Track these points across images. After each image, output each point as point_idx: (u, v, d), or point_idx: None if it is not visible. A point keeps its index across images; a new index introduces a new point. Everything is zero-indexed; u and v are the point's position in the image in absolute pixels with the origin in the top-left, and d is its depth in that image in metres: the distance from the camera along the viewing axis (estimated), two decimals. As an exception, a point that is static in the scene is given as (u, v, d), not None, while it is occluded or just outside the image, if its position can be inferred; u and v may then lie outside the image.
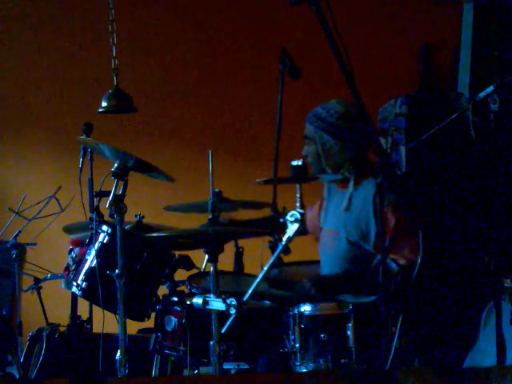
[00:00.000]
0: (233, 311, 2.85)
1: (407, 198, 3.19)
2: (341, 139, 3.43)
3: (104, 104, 3.79)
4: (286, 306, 3.21)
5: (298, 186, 2.93)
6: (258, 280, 2.90)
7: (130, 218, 3.47)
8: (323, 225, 3.65)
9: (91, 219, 3.45)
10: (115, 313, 3.30)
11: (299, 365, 3.11)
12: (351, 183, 3.46)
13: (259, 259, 3.29)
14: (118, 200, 3.20)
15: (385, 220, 3.24)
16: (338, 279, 3.38)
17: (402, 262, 3.24)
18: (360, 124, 3.40)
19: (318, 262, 3.69)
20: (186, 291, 3.45)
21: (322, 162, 3.47)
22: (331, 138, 3.43)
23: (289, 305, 3.18)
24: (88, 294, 3.41)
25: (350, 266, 3.42)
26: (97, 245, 3.40)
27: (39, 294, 4.16)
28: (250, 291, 2.90)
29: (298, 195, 2.92)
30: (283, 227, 2.85)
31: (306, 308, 3.14)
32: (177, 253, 3.51)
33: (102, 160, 3.56)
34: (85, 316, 4.04)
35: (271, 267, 2.93)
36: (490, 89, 3.18)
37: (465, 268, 4.11)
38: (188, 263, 3.50)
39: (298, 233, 2.83)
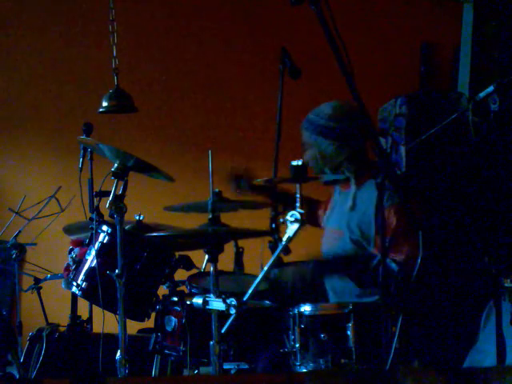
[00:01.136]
0: (233, 311, 2.85)
1: (407, 199, 3.19)
2: (335, 139, 3.46)
3: (104, 104, 3.79)
4: (286, 305, 3.21)
5: (297, 185, 2.93)
6: (257, 280, 2.90)
7: (130, 218, 3.47)
8: (326, 225, 3.67)
9: (91, 219, 3.45)
10: (115, 313, 3.30)
11: (299, 365, 3.11)
12: (353, 182, 3.49)
13: (259, 259, 3.28)
14: (118, 200, 3.20)
15: (386, 220, 3.25)
16: (338, 261, 3.42)
17: (400, 258, 3.23)
18: (351, 121, 3.43)
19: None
20: (186, 291, 3.45)
21: (321, 164, 3.52)
22: (325, 139, 3.48)
23: (289, 305, 3.18)
24: (88, 294, 3.41)
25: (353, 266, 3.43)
26: (97, 245, 3.41)
27: (39, 294, 4.16)
28: (250, 291, 2.90)
29: (297, 195, 2.91)
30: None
31: (306, 308, 3.13)
32: (177, 253, 3.51)
33: (102, 160, 3.56)
34: (85, 316, 4.04)
35: (271, 267, 2.93)
36: (490, 89, 3.18)
37: (465, 268, 4.11)
38: (188, 263, 3.50)
39: (302, 229, 2.84)
